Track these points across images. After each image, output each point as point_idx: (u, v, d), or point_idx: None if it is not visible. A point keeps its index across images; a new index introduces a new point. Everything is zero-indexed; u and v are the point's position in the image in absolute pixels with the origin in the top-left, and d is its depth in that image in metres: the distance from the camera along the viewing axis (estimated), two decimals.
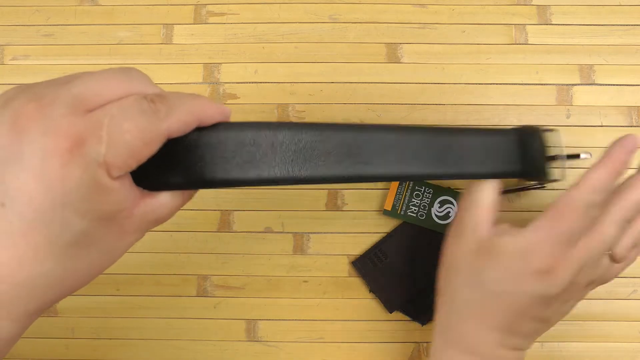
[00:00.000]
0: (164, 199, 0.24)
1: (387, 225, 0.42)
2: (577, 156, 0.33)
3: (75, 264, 0.21)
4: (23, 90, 0.21)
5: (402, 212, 0.40)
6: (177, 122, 0.21)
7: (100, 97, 0.20)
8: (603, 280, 0.32)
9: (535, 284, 0.28)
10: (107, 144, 0.20)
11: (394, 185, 0.41)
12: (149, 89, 0.22)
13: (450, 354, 0.31)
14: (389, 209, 0.41)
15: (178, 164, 0.23)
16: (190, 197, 0.25)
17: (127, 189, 0.21)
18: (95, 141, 0.19)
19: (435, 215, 0.40)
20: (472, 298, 0.30)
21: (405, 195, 0.41)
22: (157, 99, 0.21)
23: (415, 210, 0.40)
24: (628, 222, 0.30)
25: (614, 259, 0.31)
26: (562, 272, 0.27)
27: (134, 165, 0.21)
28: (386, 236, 0.41)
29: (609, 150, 0.30)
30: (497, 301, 0.29)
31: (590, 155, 0.34)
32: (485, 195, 0.30)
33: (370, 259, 0.41)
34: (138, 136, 0.20)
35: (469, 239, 0.30)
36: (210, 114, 0.23)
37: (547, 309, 0.29)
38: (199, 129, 0.23)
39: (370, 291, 0.41)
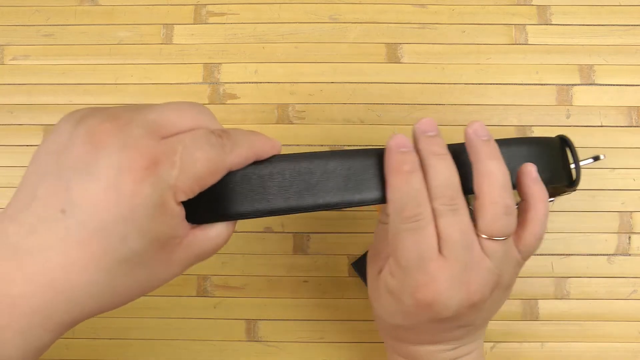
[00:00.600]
0: (213, 232, 0.25)
1: None
2: (597, 158, 0.32)
3: (121, 281, 0.22)
4: (97, 110, 0.22)
5: None
6: (239, 156, 0.24)
7: (174, 127, 0.22)
8: (508, 265, 0.28)
9: (423, 315, 0.27)
10: (179, 169, 0.21)
11: None
12: (214, 125, 0.24)
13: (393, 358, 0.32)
14: None
15: (236, 195, 0.25)
16: (231, 233, 0.26)
17: (182, 218, 0.23)
18: (169, 165, 0.21)
19: None
20: (381, 324, 0.31)
21: None
22: (223, 134, 0.23)
23: None
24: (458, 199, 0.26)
25: (485, 236, 0.26)
26: (442, 302, 0.26)
27: (196, 192, 0.22)
28: None
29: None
30: (413, 326, 0.28)
31: (605, 156, 0.33)
32: None
33: None
34: (206, 165, 0.22)
35: (370, 268, 0.30)
36: (266, 149, 0.25)
37: (459, 320, 0.27)
38: (255, 162, 0.25)
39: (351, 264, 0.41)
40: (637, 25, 0.44)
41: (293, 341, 0.41)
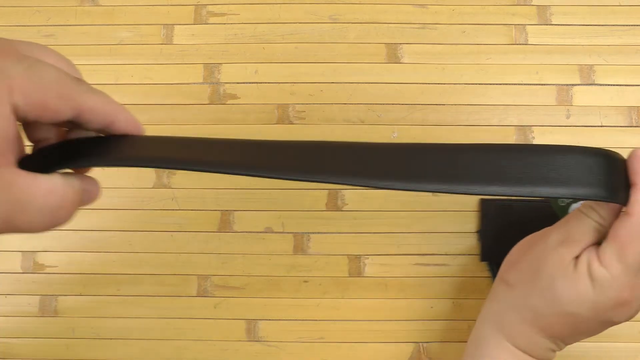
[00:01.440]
0: (44, 180, 0.20)
1: (388, 225, 0.42)
2: None
3: None
4: None
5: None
6: (93, 101, 0.21)
7: (31, 50, 0.21)
8: None
9: (609, 314, 0.28)
10: (26, 67, 0.19)
11: None
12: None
13: (503, 343, 0.31)
14: None
15: (78, 154, 0.23)
16: (67, 198, 0.21)
17: (14, 133, 0.19)
18: (15, 58, 0.19)
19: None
20: (541, 308, 0.29)
21: None
22: (81, 78, 0.22)
23: None
24: None
25: None
26: (635, 304, 0.28)
27: (40, 113, 0.20)
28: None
29: None
30: (566, 319, 0.29)
31: None
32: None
33: (501, 206, 0.40)
34: (56, 80, 0.20)
35: (564, 251, 0.29)
36: (125, 118, 0.23)
37: (607, 328, 0.29)
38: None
39: (478, 231, 0.41)
40: (637, 25, 0.44)
41: (293, 341, 0.41)
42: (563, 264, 0.28)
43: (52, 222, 0.21)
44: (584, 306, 0.28)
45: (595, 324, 0.29)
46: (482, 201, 0.41)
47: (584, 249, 0.28)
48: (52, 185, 0.20)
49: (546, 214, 0.39)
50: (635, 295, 0.27)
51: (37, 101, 0.19)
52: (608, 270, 0.27)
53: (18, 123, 0.20)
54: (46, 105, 0.20)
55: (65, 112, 0.20)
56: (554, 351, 0.31)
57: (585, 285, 0.27)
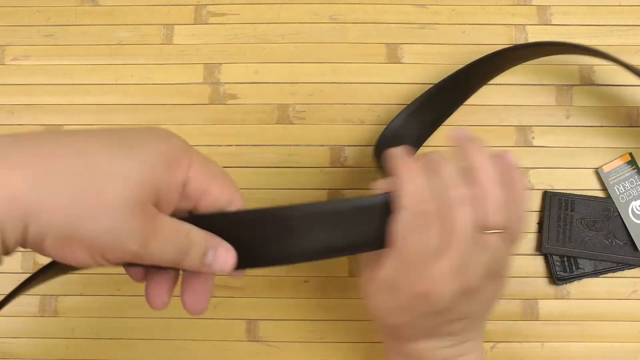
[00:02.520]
0: (169, 221, 0.23)
1: None
2: None
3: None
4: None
5: None
6: (238, 195, 0.25)
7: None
8: (502, 257, 0.28)
9: (420, 306, 0.27)
10: (204, 157, 0.24)
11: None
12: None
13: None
14: None
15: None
16: (187, 249, 0.24)
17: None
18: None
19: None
20: (382, 326, 0.31)
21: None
22: None
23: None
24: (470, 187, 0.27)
25: (488, 229, 0.27)
26: (437, 292, 0.26)
27: (198, 200, 0.24)
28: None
29: None
30: (410, 322, 0.29)
31: None
32: None
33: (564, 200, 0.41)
34: (223, 175, 0.25)
35: (366, 269, 0.30)
36: (238, 203, 0.25)
37: (455, 311, 0.28)
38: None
39: (538, 223, 0.41)
40: (637, 25, 0.44)
41: (293, 341, 0.41)
42: (362, 287, 0.30)
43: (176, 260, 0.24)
44: (394, 314, 0.28)
45: (424, 320, 0.28)
46: (545, 194, 0.41)
47: (375, 268, 0.29)
48: (179, 227, 0.23)
49: (601, 208, 0.41)
50: (432, 284, 0.26)
51: (203, 186, 0.23)
52: (391, 274, 0.27)
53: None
54: (208, 192, 0.24)
55: (222, 203, 0.24)
56: (456, 345, 0.30)
57: (381, 298, 0.29)
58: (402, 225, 0.26)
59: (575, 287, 0.41)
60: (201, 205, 0.24)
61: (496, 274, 0.28)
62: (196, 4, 0.46)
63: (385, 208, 0.26)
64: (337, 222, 0.25)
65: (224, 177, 0.25)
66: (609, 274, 0.40)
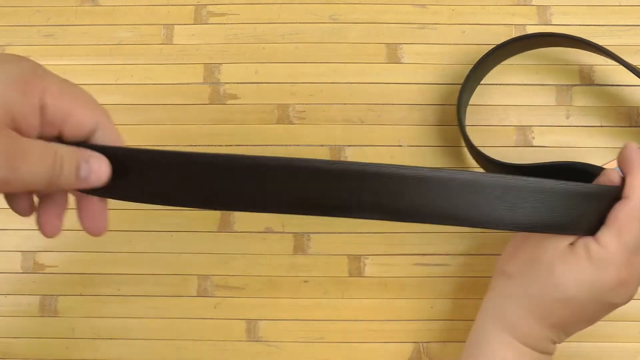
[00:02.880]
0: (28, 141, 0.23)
1: (388, 225, 0.42)
2: None
3: None
4: None
5: None
6: (106, 116, 0.27)
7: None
8: None
9: (609, 295, 0.29)
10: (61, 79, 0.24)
11: None
12: None
13: (503, 337, 0.31)
14: None
15: None
16: (50, 168, 0.24)
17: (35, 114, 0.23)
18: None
19: None
20: (541, 296, 0.30)
21: None
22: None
23: None
24: None
25: None
26: (634, 283, 0.29)
27: (63, 121, 0.24)
28: None
29: None
30: (565, 305, 0.29)
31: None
32: None
33: None
34: (86, 95, 0.26)
35: (559, 238, 0.30)
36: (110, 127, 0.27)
37: (607, 313, 0.30)
38: None
39: None
40: (637, 25, 0.44)
41: (293, 341, 0.41)
42: (559, 250, 0.29)
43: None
44: (583, 287, 0.28)
45: (595, 307, 0.29)
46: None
47: (579, 237, 0.29)
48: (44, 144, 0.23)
49: None
50: (633, 274, 0.28)
51: (64, 109, 0.23)
52: (607, 249, 0.28)
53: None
54: (71, 115, 0.23)
55: (88, 126, 0.24)
56: (554, 343, 0.31)
57: (584, 266, 0.28)
58: (631, 211, 0.27)
59: None
60: (66, 130, 0.24)
61: None
62: (196, 4, 0.46)
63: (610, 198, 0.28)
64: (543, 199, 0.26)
65: (86, 98, 0.25)
66: None
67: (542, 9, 0.45)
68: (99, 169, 0.25)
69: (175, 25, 0.45)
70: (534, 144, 0.43)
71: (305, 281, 0.41)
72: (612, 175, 0.30)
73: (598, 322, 0.40)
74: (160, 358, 0.41)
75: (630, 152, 0.29)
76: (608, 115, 0.43)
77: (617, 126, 0.43)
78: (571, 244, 0.29)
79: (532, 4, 0.45)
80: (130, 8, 0.46)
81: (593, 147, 0.43)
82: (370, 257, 0.41)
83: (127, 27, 0.45)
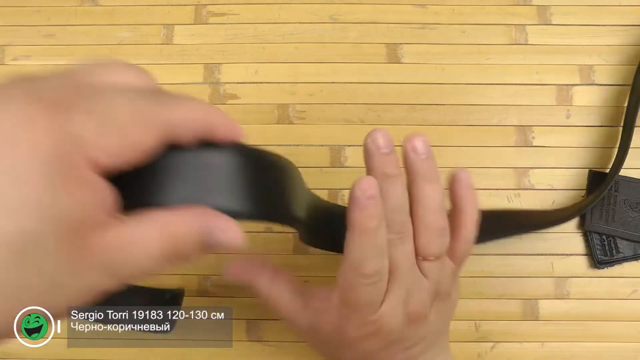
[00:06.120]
0: (135, 229, 0.17)
1: None
2: None
3: (10, 280, 0.14)
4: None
5: None
6: (178, 113, 0.17)
7: (98, 78, 0.17)
8: (446, 281, 0.28)
9: (371, 344, 0.27)
10: (97, 117, 0.15)
11: None
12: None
13: None
14: None
15: (176, 180, 0.18)
16: (178, 249, 0.17)
17: (100, 197, 0.16)
18: (84, 112, 0.15)
19: None
20: None
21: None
22: (160, 90, 0.18)
23: None
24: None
25: (426, 257, 0.26)
26: (386, 328, 0.26)
27: (127, 155, 0.16)
28: None
29: (351, 215, 0.24)
30: (364, 357, 0.28)
31: None
32: None
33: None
34: (134, 114, 0.16)
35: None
36: (221, 125, 0.19)
37: (408, 339, 0.28)
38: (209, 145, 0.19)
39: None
40: (637, 25, 0.44)
41: (293, 341, 0.41)
42: (309, 322, 0.29)
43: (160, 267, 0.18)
44: (345, 350, 0.28)
45: (382, 354, 0.28)
46: (590, 172, 0.42)
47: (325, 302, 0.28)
48: (138, 236, 0.17)
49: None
50: (377, 322, 0.26)
51: (118, 150, 0.16)
52: (341, 316, 0.27)
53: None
54: (130, 147, 0.16)
55: (152, 138, 0.17)
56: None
57: (330, 334, 0.28)
58: (347, 281, 0.25)
59: (575, 287, 0.41)
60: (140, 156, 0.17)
61: (444, 294, 0.28)
62: (196, 4, 0.46)
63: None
64: None
65: (143, 116, 0.17)
66: (610, 274, 0.41)
67: (542, 9, 0.45)
68: (230, 240, 0.18)
69: (175, 25, 0.45)
70: (534, 144, 0.43)
71: (305, 281, 0.41)
72: None
73: (598, 322, 0.40)
74: (160, 358, 0.41)
75: (356, 198, 0.23)
76: (608, 115, 0.43)
77: (617, 126, 0.43)
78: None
79: (532, 4, 0.45)
80: (130, 8, 0.46)
81: (593, 147, 0.43)
82: None
83: (127, 27, 0.45)
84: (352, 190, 0.23)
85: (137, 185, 0.17)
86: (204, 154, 0.18)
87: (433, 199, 0.26)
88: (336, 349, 0.28)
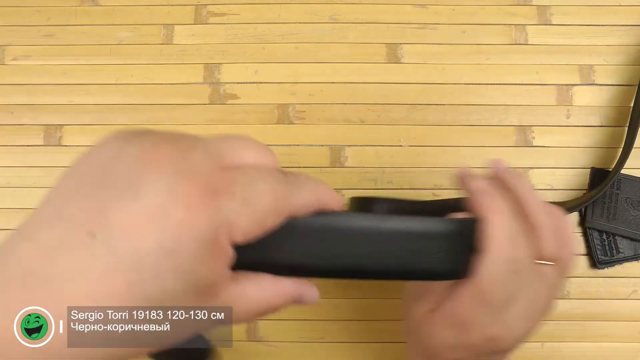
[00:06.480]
0: (248, 288, 0.20)
1: None
2: None
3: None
4: (154, 131, 0.19)
5: None
6: (304, 199, 0.20)
7: (237, 157, 0.19)
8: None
9: (484, 349, 0.27)
10: (239, 202, 0.17)
11: None
12: (277, 166, 0.21)
13: None
14: None
15: (289, 245, 0.21)
16: (279, 300, 0.21)
17: (231, 258, 0.19)
18: (229, 196, 0.17)
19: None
20: (422, 357, 0.30)
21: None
22: (288, 173, 0.20)
23: None
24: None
25: (545, 260, 0.27)
26: (509, 336, 0.26)
27: (254, 234, 0.18)
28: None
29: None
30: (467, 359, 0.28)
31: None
32: None
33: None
34: (271, 200, 0.18)
35: (416, 306, 0.29)
36: (330, 200, 0.22)
37: (510, 351, 0.28)
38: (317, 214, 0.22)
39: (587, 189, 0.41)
40: (637, 25, 0.44)
41: (293, 341, 0.41)
42: (419, 317, 0.28)
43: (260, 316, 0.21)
44: (455, 351, 0.27)
45: (477, 358, 0.28)
46: (592, 170, 0.42)
47: (441, 300, 0.27)
48: (261, 291, 0.21)
49: None
50: (504, 330, 0.26)
51: (254, 229, 0.18)
52: (467, 311, 0.26)
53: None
54: (263, 226, 0.19)
55: (279, 220, 0.20)
56: None
57: (446, 332, 0.27)
58: (491, 268, 0.25)
59: (575, 287, 0.41)
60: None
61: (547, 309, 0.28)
62: (196, 4, 0.46)
63: (465, 238, 0.24)
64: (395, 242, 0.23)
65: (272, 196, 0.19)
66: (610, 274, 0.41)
67: (542, 9, 0.45)
68: (312, 301, 0.23)
69: (175, 25, 0.45)
70: (534, 144, 0.43)
71: None
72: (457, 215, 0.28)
73: (598, 322, 0.40)
74: None
75: (476, 188, 0.26)
76: (608, 115, 0.43)
77: (617, 126, 0.43)
78: (433, 310, 0.28)
79: (532, 4, 0.45)
80: (130, 8, 0.46)
81: (593, 147, 0.43)
82: None
83: (127, 27, 0.45)
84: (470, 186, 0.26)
85: (253, 248, 0.19)
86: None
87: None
88: (450, 350, 0.28)
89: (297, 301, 0.22)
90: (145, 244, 0.16)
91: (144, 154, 0.17)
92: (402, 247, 0.23)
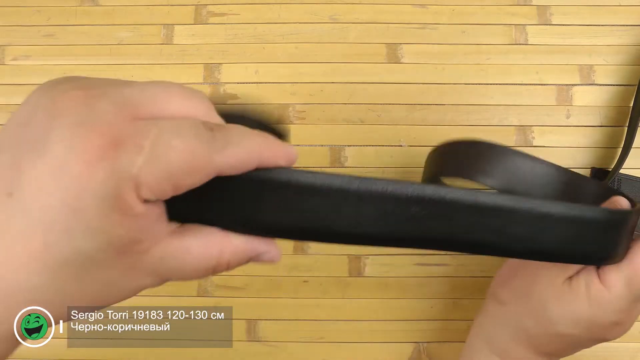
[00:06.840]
0: (191, 243, 0.19)
1: None
2: None
3: (70, 287, 0.17)
4: (73, 77, 0.19)
5: None
6: (232, 158, 0.18)
7: (155, 108, 0.17)
8: None
9: (603, 332, 0.28)
10: (146, 156, 0.16)
11: None
12: (211, 118, 0.19)
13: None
14: None
15: (222, 202, 0.19)
16: (222, 256, 0.20)
17: (153, 219, 0.17)
18: (134, 149, 0.16)
19: None
20: (534, 329, 0.29)
21: None
22: (217, 128, 0.18)
23: None
24: None
25: None
26: (629, 324, 0.28)
27: (168, 192, 0.17)
28: None
29: None
30: (559, 340, 0.29)
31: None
32: None
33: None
34: (184, 159, 0.17)
35: (556, 272, 0.28)
36: (274, 156, 0.19)
37: (597, 344, 0.30)
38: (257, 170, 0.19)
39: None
40: (637, 25, 0.44)
41: (293, 341, 0.41)
42: (555, 285, 0.28)
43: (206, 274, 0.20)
44: (579, 326, 0.28)
45: (589, 341, 0.29)
46: (592, 170, 0.42)
47: (580, 270, 0.28)
48: (203, 246, 0.19)
49: None
50: (630, 317, 0.28)
51: (165, 187, 0.17)
52: (611, 292, 0.27)
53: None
54: (177, 185, 0.17)
55: (199, 180, 0.17)
56: None
57: (582, 305, 0.27)
58: None
59: None
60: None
61: None
62: (196, 4, 0.46)
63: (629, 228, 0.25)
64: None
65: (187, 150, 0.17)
66: None
67: (542, 9, 0.45)
68: (273, 259, 0.21)
69: (175, 25, 0.45)
70: (534, 144, 0.43)
71: (305, 281, 0.41)
72: (620, 202, 0.29)
73: None
74: (160, 358, 0.41)
75: None
76: (608, 115, 0.43)
77: (617, 126, 0.43)
78: (569, 277, 0.28)
79: (532, 4, 0.45)
80: (130, 8, 0.46)
81: (593, 147, 0.43)
82: (370, 257, 0.41)
83: (127, 27, 0.45)
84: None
85: (184, 201, 0.18)
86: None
87: None
88: (554, 335, 0.29)
89: (254, 259, 0.20)
90: (53, 201, 0.16)
91: (52, 105, 0.17)
92: (562, 232, 0.22)
